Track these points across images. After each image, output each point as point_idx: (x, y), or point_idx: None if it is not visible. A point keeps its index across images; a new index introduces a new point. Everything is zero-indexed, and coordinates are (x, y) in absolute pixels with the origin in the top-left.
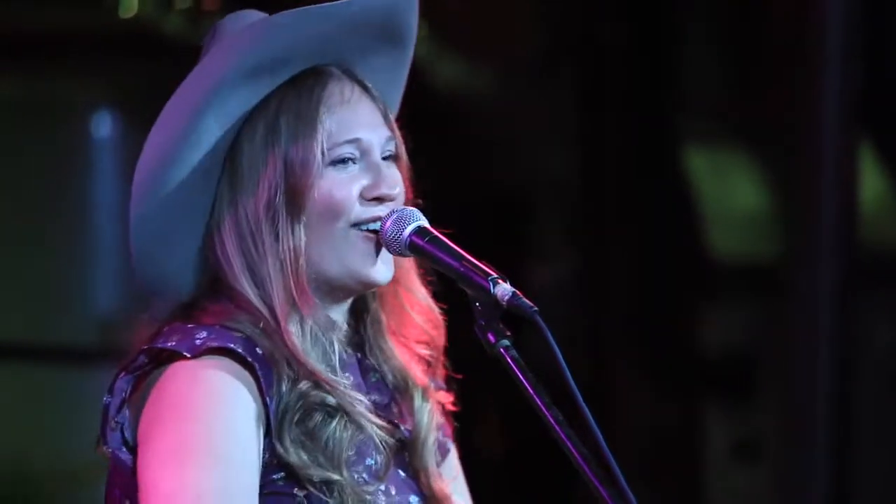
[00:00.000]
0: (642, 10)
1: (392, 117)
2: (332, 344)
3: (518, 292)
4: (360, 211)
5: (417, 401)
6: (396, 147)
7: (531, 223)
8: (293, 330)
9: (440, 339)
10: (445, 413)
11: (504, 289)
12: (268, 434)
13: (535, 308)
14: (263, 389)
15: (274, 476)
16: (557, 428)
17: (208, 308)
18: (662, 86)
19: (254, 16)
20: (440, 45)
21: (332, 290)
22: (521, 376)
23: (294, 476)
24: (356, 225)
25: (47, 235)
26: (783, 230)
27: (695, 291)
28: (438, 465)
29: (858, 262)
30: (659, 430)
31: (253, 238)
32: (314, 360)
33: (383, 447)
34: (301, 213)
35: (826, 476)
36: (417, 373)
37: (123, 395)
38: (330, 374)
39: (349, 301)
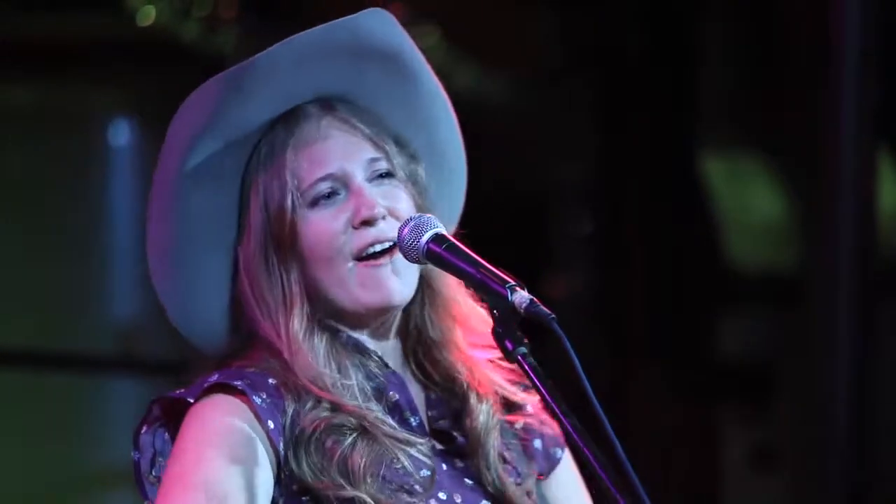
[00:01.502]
0: (662, 20)
1: (419, 122)
2: (364, 372)
3: (535, 299)
4: (354, 240)
5: (472, 400)
6: (390, 163)
7: (550, 232)
8: (310, 361)
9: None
10: (544, 421)
11: (521, 296)
12: (283, 460)
13: (553, 315)
14: (261, 418)
15: (304, 498)
16: (575, 435)
17: (245, 357)
18: (682, 96)
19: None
20: (458, 54)
21: (352, 320)
22: (538, 383)
23: (315, 500)
24: (359, 257)
25: (64, 243)
26: (802, 239)
27: (713, 300)
28: (545, 475)
29: (876, 270)
30: (677, 438)
31: (256, 281)
32: (337, 390)
33: (425, 460)
34: (292, 257)
35: (843, 484)
36: (477, 377)
37: (153, 449)
38: (353, 401)
39: (385, 324)
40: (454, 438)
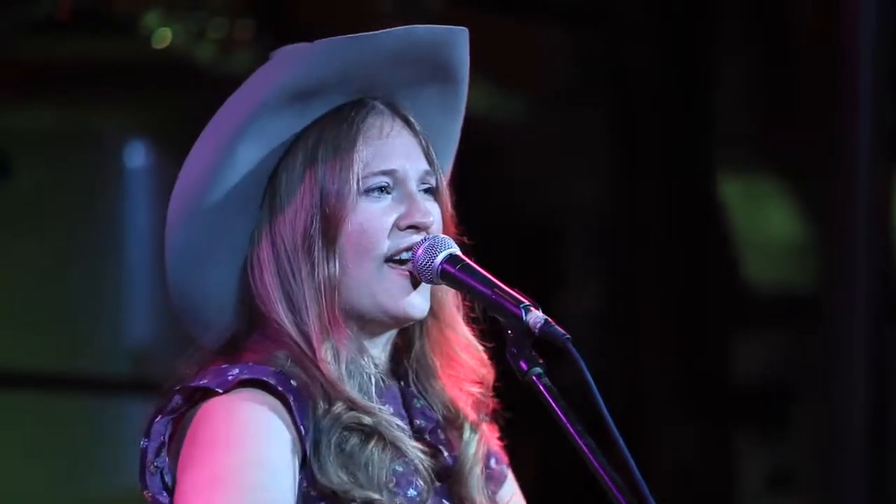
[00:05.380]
0: (677, 41)
1: (442, 148)
2: (368, 375)
3: (550, 319)
4: (394, 241)
5: (466, 433)
6: (437, 181)
7: (564, 252)
8: (328, 358)
9: (489, 376)
10: (501, 445)
11: (536, 316)
12: (304, 463)
13: (568, 335)
14: (297, 419)
15: None
16: (591, 456)
17: (247, 349)
18: (695, 114)
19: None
20: (472, 75)
21: (366, 323)
22: (553, 404)
23: (336, 503)
24: (390, 259)
25: (79, 265)
26: (817, 259)
27: (729, 321)
28: (494, 494)
29: (893, 290)
30: (693, 460)
31: (290, 266)
32: (349, 388)
33: (425, 472)
34: (335, 243)
35: None
36: (467, 407)
37: (162, 438)
38: (366, 401)
39: (387, 335)
40: (441, 453)
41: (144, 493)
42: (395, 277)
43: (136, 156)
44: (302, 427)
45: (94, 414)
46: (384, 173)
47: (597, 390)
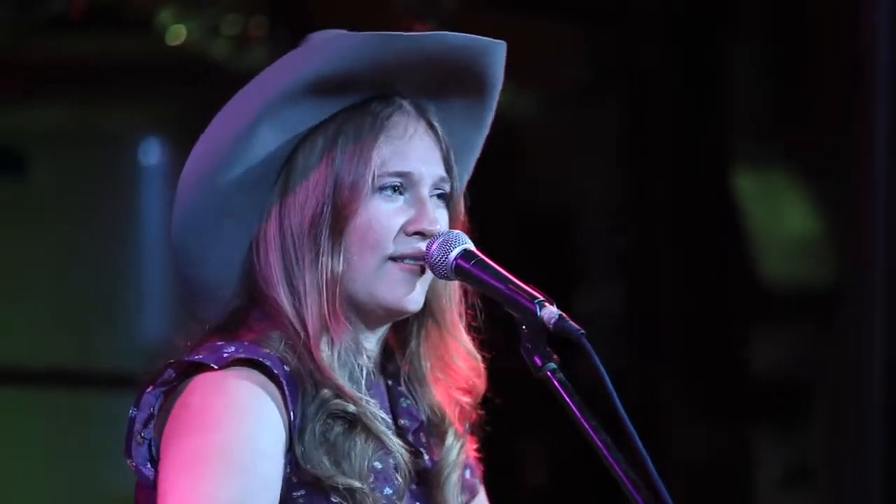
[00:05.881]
0: (689, 34)
1: (463, 160)
2: (360, 368)
3: (565, 315)
4: (399, 245)
5: (450, 438)
6: (452, 189)
7: (579, 250)
8: (322, 345)
9: (481, 386)
10: (477, 457)
11: (550, 311)
12: (290, 449)
13: (582, 331)
14: (288, 404)
15: (295, 494)
16: (606, 452)
17: (244, 326)
18: (710, 109)
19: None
20: None
21: (363, 315)
22: (568, 400)
23: (317, 491)
24: (393, 258)
25: (95, 262)
26: (834, 253)
27: (745, 317)
28: None
29: None
30: (710, 456)
31: (294, 251)
32: (340, 377)
33: (405, 469)
34: (342, 234)
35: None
36: (453, 414)
37: (151, 409)
38: (354, 391)
39: (382, 329)
40: (420, 455)
41: (128, 462)
42: (396, 273)
43: (151, 153)
44: (291, 412)
45: (110, 409)
46: (399, 174)
47: (612, 386)
